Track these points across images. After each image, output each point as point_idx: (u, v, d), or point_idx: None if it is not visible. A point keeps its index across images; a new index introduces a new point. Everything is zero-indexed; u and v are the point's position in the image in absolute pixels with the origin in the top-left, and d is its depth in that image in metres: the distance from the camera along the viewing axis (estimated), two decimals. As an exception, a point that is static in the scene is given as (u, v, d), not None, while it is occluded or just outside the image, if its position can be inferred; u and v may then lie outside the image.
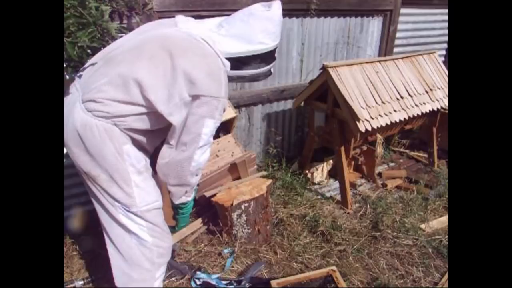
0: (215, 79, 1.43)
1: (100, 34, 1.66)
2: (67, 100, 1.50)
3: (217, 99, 1.43)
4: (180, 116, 1.43)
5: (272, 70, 1.67)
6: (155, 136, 1.59)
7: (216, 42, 1.48)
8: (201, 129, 1.45)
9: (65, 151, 1.57)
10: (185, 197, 1.65)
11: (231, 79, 1.56)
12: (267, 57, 1.56)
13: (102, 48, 1.62)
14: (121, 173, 1.47)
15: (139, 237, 1.56)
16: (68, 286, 1.97)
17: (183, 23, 1.54)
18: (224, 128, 2.63)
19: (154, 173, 1.64)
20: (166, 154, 1.51)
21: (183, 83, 1.39)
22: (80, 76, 1.53)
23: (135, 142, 1.54)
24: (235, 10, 2.69)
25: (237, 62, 1.52)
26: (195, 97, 1.41)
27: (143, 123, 1.48)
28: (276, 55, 1.61)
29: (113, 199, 1.51)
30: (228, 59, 1.50)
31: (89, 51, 1.60)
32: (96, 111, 1.40)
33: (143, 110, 1.44)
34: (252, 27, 1.48)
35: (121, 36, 1.68)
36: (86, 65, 1.55)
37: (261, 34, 1.49)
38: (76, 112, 1.41)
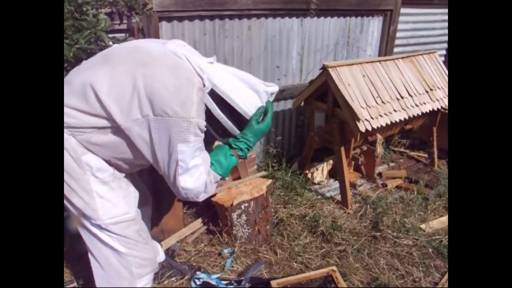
0: (183, 95, 1.24)
1: (93, 40, 1.66)
2: None
3: (186, 120, 1.24)
4: (142, 131, 1.28)
5: (231, 141, 1.48)
6: (125, 157, 1.41)
7: (200, 66, 1.34)
8: (175, 157, 1.28)
9: None
10: (211, 188, 1.42)
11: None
12: (242, 120, 1.43)
13: (98, 51, 1.62)
14: (80, 183, 1.35)
15: (113, 247, 1.47)
16: (68, 286, 1.97)
17: (174, 44, 1.42)
18: None
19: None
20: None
21: (145, 99, 1.24)
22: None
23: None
24: (235, 10, 2.72)
25: (215, 98, 1.37)
26: (158, 117, 1.24)
27: (106, 138, 1.33)
28: (238, 134, 1.46)
29: (78, 210, 1.40)
30: (212, 95, 1.36)
31: (88, 51, 1.60)
32: None
33: (101, 122, 1.30)
34: (242, 89, 1.39)
35: (114, 43, 1.65)
36: None
37: (248, 100, 1.40)
38: None
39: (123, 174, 1.50)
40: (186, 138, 1.26)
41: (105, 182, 1.40)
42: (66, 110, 1.28)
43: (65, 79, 1.39)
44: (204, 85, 1.33)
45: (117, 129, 1.31)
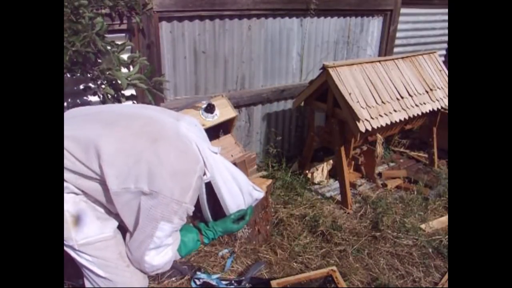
0: (183, 180, 1.27)
1: (86, 44, 1.64)
2: None
3: (178, 203, 1.26)
4: (128, 204, 1.28)
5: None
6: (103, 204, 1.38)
7: (207, 156, 1.36)
8: (153, 232, 1.28)
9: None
10: (167, 266, 1.41)
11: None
12: (217, 213, 1.49)
13: (93, 55, 1.61)
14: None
15: (91, 271, 1.37)
16: (68, 286, 1.96)
17: (186, 122, 1.44)
18: (224, 128, 2.63)
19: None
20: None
21: (145, 173, 1.24)
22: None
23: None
24: (235, 10, 2.72)
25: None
26: (152, 193, 1.25)
27: (91, 185, 1.32)
28: (210, 222, 1.52)
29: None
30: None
31: (84, 53, 1.59)
32: None
33: (91, 174, 1.29)
34: (239, 185, 1.45)
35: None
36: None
37: (237, 197, 1.46)
38: None
39: (97, 199, 1.42)
40: (171, 218, 1.28)
41: (76, 202, 1.34)
42: (65, 152, 1.28)
43: (67, 114, 1.41)
44: (204, 174, 1.35)
45: (102, 186, 1.30)
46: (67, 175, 1.30)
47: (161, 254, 1.34)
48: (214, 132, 2.52)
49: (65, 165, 1.28)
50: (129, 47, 2.30)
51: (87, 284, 1.44)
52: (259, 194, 1.56)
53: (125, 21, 2.22)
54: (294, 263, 2.22)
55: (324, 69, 2.56)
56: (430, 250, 2.35)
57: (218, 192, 1.42)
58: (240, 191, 1.47)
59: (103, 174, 1.26)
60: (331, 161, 3.16)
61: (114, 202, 1.29)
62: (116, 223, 1.44)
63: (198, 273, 2.08)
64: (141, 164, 1.25)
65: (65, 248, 1.35)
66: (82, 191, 1.34)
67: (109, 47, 1.84)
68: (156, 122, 1.37)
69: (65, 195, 1.31)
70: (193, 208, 1.32)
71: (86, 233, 1.34)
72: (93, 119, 1.40)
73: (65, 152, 1.28)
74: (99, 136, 1.28)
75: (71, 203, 1.32)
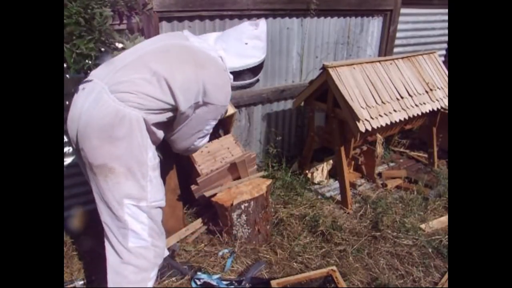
0: (224, 90, 1.70)
1: (104, 39, 1.71)
2: (83, 93, 1.54)
3: (223, 106, 1.72)
4: (189, 113, 1.65)
5: (260, 77, 1.97)
6: (165, 131, 1.74)
7: (224, 58, 1.74)
8: (203, 127, 1.75)
9: (66, 149, 1.54)
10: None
11: (232, 88, 1.80)
12: (258, 68, 1.88)
13: (98, 56, 1.66)
14: (141, 165, 1.54)
15: (139, 236, 1.59)
16: (68, 286, 1.97)
17: (193, 38, 1.77)
18: (224, 126, 2.63)
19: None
20: (172, 143, 1.80)
21: (201, 91, 1.61)
22: (97, 71, 1.61)
23: (152, 137, 1.64)
24: (235, 10, 2.72)
25: (237, 75, 1.81)
26: (206, 103, 1.65)
27: (163, 118, 1.63)
28: (263, 65, 1.91)
29: (123, 194, 1.53)
30: (232, 73, 1.79)
31: (92, 56, 1.61)
32: (131, 102, 1.49)
33: (167, 106, 1.59)
34: (244, 45, 1.78)
35: (123, 38, 1.83)
36: (106, 62, 1.66)
37: (253, 50, 1.80)
38: (105, 103, 1.47)
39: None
40: (217, 117, 1.76)
41: (155, 168, 1.63)
42: (144, 96, 1.52)
43: (120, 66, 1.57)
44: (230, 78, 1.77)
45: (173, 112, 1.64)
46: (150, 116, 1.57)
47: (204, 140, 1.87)
48: (213, 131, 2.52)
49: (150, 107, 1.55)
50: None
51: (113, 261, 1.59)
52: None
53: (124, 21, 2.22)
54: (294, 263, 2.22)
55: (324, 69, 2.56)
56: (430, 250, 2.35)
57: (238, 68, 1.81)
58: (242, 44, 1.81)
59: (176, 101, 1.58)
60: (331, 161, 3.16)
61: (177, 120, 1.67)
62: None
63: (199, 273, 2.08)
64: (198, 85, 1.60)
65: (124, 215, 1.54)
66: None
67: (124, 41, 1.90)
68: (192, 51, 1.67)
69: (148, 160, 1.57)
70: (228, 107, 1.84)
71: (156, 197, 1.63)
72: (139, 60, 1.60)
73: (145, 97, 1.53)
74: (164, 72, 1.54)
75: (151, 170, 1.59)
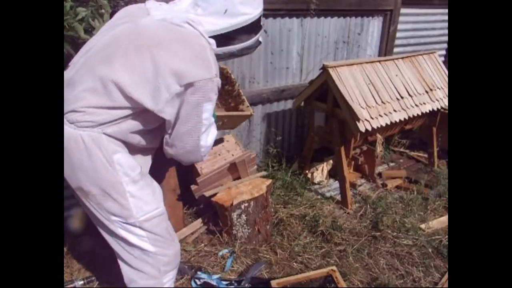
0: (203, 59, 1.34)
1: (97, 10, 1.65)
2: None
3: (210, 80, 1.33)
4: (173, 109, 1.35)
5: (260, 39, 1.59)
6: (155, 135, 1.52)
7: (196, 22, 1.39)
8: (200, 116, 1.37)
9: None
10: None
11: (220, 56, 1.48)
12: (253, 27, 1.48)
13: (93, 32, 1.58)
14: (113, 185, 1.40)
15: (142, 248, 1.51)
16: (68, 286, 1.97)
17: (156, 10, 1.44)
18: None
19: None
20: (168, 150, 1.46)
21: (169, 77, 1.29)
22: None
23: (131, 147, 1.46)
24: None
25: (223, 39, 1.44)
26: (187, 85, 1.31)
27: (136, 124, 1.40)
28: (262, 23, 1.54)
29: (108, 213, 1.44)
30: (213, 37, 1.42)
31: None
32: (80, 122, 1.31)
33: (132, 111, 1.35)
34: (230, 1, 1.39)
35: (115, 11, 1.64)
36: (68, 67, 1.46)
37: (241, 5, 1.41)
38: (63, 128, 1.33)
39: (147, 170, 1.58)
40: (210, 96, 1.36)
41: (135, 181, 1.45)
42: (92, 110, 1.31)
43: (68, 78, 1.38)
44: (209, 43, 1.41)
45: (145, 114, 1.37)
46: (111, 128, 1.35)
47: (210, 134, 1.48)
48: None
49: (103, 121, 1.33)
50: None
51: (127, 270, 1.56)
52: None
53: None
54: (294, 263, 2.22)
55: (324, 69, 2.56)
56: (430, 250, 2.35)
57: (228, 29, 1.44)
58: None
59: (137, 103, 1.31)
60: (331, 161, 3.16)
61: (164, 117, 1.36)
62: (162, 197, 1.59)
63: (199, 272, 2.08)
64: (162, 73, 1.29)
65: (117, 230, 1.46)
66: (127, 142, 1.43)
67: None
68: (143, 31, 1.36)
69: (123, 177, 1.40)
70: (220, 80, 1.39)
71: (145, 209, 1.47)
72: (85, 64, 1.37)
73: (94, 110, 1.32)
74: (109, 74, 1.29)
75: (130, 184, 1.43)
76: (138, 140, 1.47)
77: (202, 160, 1.54)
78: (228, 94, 2.34)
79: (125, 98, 1.31)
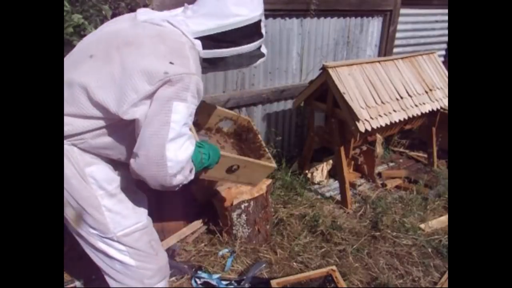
0: (179, 55, 1.21)
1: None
2: None
3: (187, 75, 1.17)
4: (141, 112, 1.18)
5: (264, 50, 1.44)
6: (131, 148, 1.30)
7: (181, 22, 1.28)
8: (168, 115, 1.14)
9: None
10: (190, 175, 1.27)
11: (210, 63, 1.35)
12: (249, 31, 1.32)
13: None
14: (87, 199, 1.31)
15: (122, 262, 1.42)
16: (68, 286, 1.97)
17: (144, 15, 1.36)
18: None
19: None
20: (132, 164, 1.20)
21: (138, 76, 1.15)
22: None
23: (111, 159, 1.36)
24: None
25: (211, 41, 1.30)
26: (160, 83, 1.16)
27: (108, 139, 1.28)
28: (263, 30, 1.38)
29: (87, 225, 1.36)
30: (199, 38, 1.29)
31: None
32: None
33: (101, 123, 1.23)
34: (223, 1, 1.28)
35: (115, 14, 1.63)
36: None
37: (234, 6, 1.28)
38: None
39: (129, 181, 1.44)
40: (184, 95, 1.16)
41: (112, 195, 1.36)
42: (67, 118, 1.24)
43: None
44: (193, 43, 1.29)
45: (114, 126, 1.25)
46: (82, 145, 1.26)
47: (183, 148, 1.19)
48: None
49: (68, 132, 1.24)
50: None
51: (111, 283, 1.47)
52: None
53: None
54: (294, 263, 2.22)
55: (324, 69, 2.56)
56: (430, 249, 2.35)
57: (224, 27, 1.32)
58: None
59: (103, 109, 1.18)
60: (331, 161, 3.16)
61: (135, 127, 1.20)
62: (146, 207, 1.48)
63: (199, 272, 2.08)
64: (129, 72, 1.16)
65: (96, 243, 1.38)
66: (106, 157, 1.33)
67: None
68: (119, 31, 1.28)
69: (98, 191, 1.32)
70: (202, 84, 1.24)
71: (124, 224, 1.37)
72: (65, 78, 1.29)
73: (66, 118, 1.22)
74: (76, 78, 1.20)
75: (106, 198, 1.34)
76: (116, 156, 1.36)
77: (171, 184, 1.20)
78: (248, 146, 1.98)
79: (90, 102, 1.20)
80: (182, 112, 1.17)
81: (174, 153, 1.16)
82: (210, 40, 1.30)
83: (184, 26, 1.29)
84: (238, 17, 1.29)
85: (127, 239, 1.39)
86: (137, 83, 1.16)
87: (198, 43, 1.29)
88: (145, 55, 1.19)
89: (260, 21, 1.36)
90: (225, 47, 1.32)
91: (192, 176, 1.28)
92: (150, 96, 1.17)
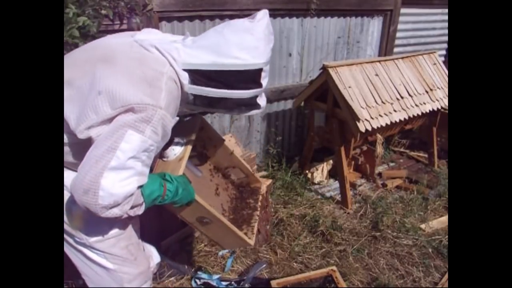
0: (151, 85, 1.12)
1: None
2: None
3: (153, 107, 1.08)
4: (98, 132, 1.10)
5: (261, 103, 1.32)
6: None
7: (173, 50, 1.20)
8: (118, 142, 1.05)
9: None
10: (126, 206, 1.12)
11: (194, 99, 1.26)
12: (246, 78, 1.23)
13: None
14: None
15: (100, 264, 1.36)
16: (68, 286, 1.97)
17: (142, 34, 1.29)
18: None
19: None
20: (72, 180, 1.09)
21: (101, 97, 1.07)
22: None
23: None
24: (235, 10, 2.72)
25: (200, 76, 1.21)
26: (122, 109, 1.07)
27: (69, 155, 1.20)
28: (263, 80, 1.27)
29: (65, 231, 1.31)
30: (189, 71, 1.20)
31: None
32: None
33: (66, 139, 1.17)
34: (225, 38, 1.20)
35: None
36: None
37: (236, 48, 1.19)
38: None
39: None
40: (142, 127, 1.07)
41: None
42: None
43: None
44: (177, 74, 1.20)
45: (77, 143, 1.17)
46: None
47: (125, 182, 1.07)
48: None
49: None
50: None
51: (89, 283, 1.43)
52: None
53: (125, 22, 2.22)
54: (294, 263, 2.22)
55: (324, 69, 2.56)
56: (430, 250, 2.35)
57: (218, 66, 1.22)
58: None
59: (67, 121, 1.11)
60: (331, 161, 3.16)
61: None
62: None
63: (199, 272, 2.08)
64: (95, 88, 1.08)
65: (74, 244, 1.34)
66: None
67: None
68: (103, 46, 1.22)
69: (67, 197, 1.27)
70: (170, 123, 1.14)
71: (97, 231, 1.30)
72: None
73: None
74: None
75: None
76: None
77: (104, 215, 1.08)
78: (243, 208, 1.83)
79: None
80: (133, 144, 1.07)
81: (112, 184, 1.05)
82: (200, 76, 1.21)
83: (176, 54, 1.20)
84: (236, 60, 1.20)
85: (100, 245, 1.32)
86: (98, 104, 1.08)
87: (185, 76, 1.21)
88: (116, 76, 1.11)
89: (261, 70, 1.26)
90: (214, 86, 1.22)
91: (139, 212, 1.18)
92: (110, 120, 1.09)
